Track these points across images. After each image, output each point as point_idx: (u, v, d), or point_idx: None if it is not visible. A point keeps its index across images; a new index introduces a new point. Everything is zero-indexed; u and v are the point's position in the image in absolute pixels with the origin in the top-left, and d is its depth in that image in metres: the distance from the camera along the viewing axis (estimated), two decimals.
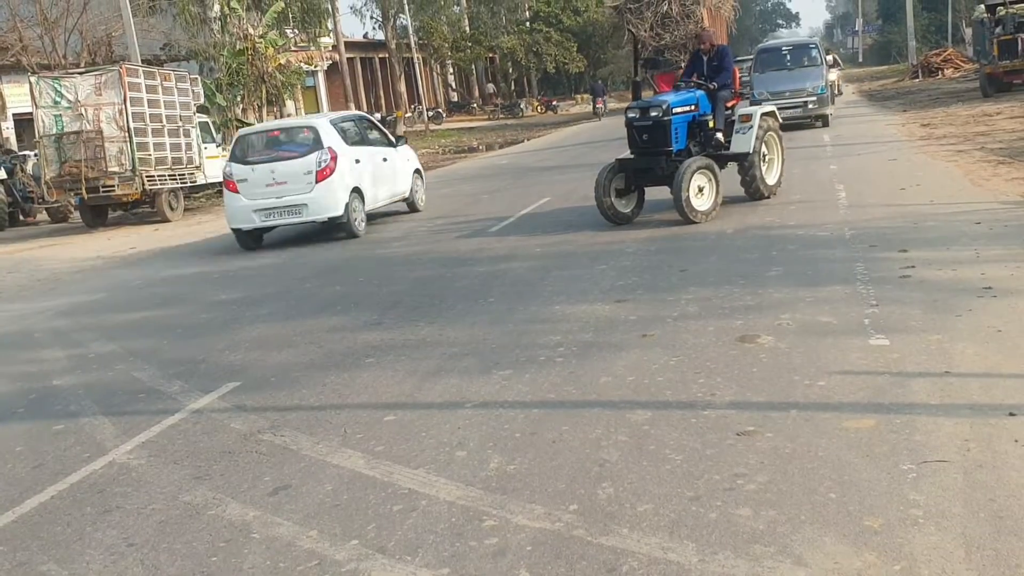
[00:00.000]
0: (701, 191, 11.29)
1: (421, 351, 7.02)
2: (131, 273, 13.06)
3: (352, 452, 5.13)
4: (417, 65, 52.67)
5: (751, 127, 11.95)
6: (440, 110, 54.39)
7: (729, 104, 12.20)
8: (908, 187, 12.26)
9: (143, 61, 25.54)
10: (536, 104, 56.62)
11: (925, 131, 19.55)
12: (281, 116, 39.97)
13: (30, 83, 18.73)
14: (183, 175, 20.00)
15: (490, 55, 60.32)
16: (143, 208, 20.28)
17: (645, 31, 37.99)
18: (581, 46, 58.55)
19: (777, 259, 8.79)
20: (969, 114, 22.10)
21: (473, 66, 61.83)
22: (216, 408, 6.22)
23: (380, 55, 56.90)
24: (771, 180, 12.58)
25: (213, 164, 21.41)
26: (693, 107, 11.82)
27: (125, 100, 18.24)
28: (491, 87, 63.81)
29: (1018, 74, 26.38)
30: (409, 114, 49.02)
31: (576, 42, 58.70)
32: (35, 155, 20.40)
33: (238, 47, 26.76)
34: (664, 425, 5.00)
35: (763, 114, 12.33)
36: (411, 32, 50.56)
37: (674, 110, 11.55)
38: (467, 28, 59.89)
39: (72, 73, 19.45)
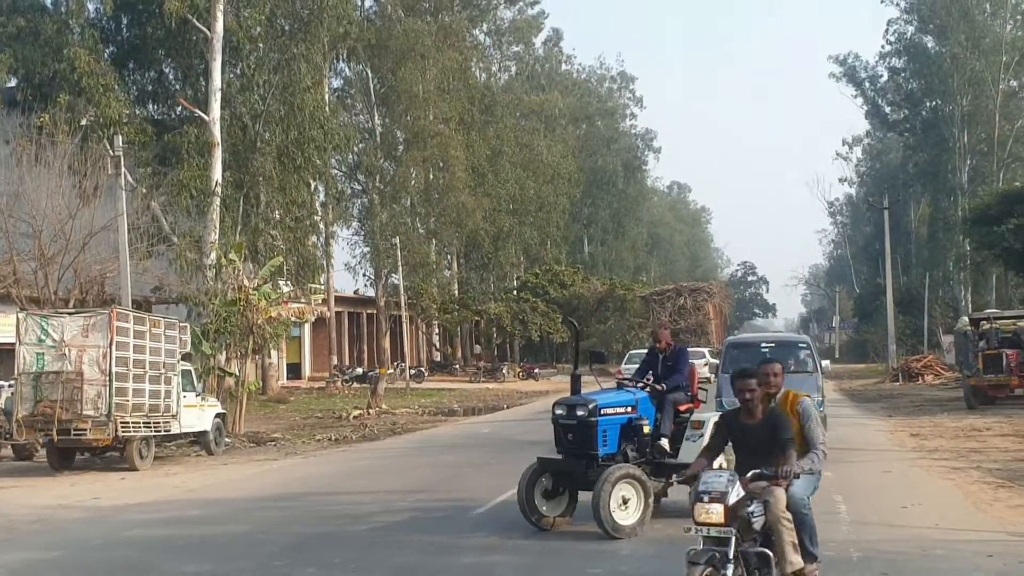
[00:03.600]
0: (626, 503, 10.21)
1: None
2: (92, 529, 12.29)
3: None
4: (404, 323, 53.27)
5: (701, 435, 10.79)
6: (422, 368, 54.56)
7: (683, 408, 11.34)
8: (909, 506, 11.89)
9: (133, 302, 25.56)
10: (518, 370, 56.93)
11: (915, 441, 19.38)
12: (263, 366, 39.94)
13: (17, 319, 18.48)
14: (158, 423, 19.44)
15: (476, 319, 61.29)
16: (112, 453, 19.58)
17: (665, 316, 50.83)
18: (565, 317, 59.66)
19: None
20: (958, 426, 21.96)
21: (459, 328, 62.67)
22: None
23: (368, 311, 57.70)
24: None
25: (190, 413, 20.94)
26: (630, 409, 10.97)
27: (111, 344, 17.94)
28: (477, 348, 64.56)
29: (1003, 388, 26.57)
30: (391, 371, 49.03)
31: (561, 313, 59.86)
32: (10, 388, 19.88)
33: (230, 296, 26.85)
34: None
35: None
36: (401, 292, 51.45)
37: (604, 411, 10.73)
38: (456, 292, 61.17)
39: (61, 312, 19.25)
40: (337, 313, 53.17)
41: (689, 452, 10.83)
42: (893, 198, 66.64)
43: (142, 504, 14.43)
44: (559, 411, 11.03)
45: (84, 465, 19.64)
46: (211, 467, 19.59)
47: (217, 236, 31.47)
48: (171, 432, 20.29)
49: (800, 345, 18.81)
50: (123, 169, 25.84)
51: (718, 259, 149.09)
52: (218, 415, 22.62)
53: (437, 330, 64.63)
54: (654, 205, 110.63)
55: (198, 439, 22.03)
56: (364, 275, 56.66)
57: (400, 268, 50.30)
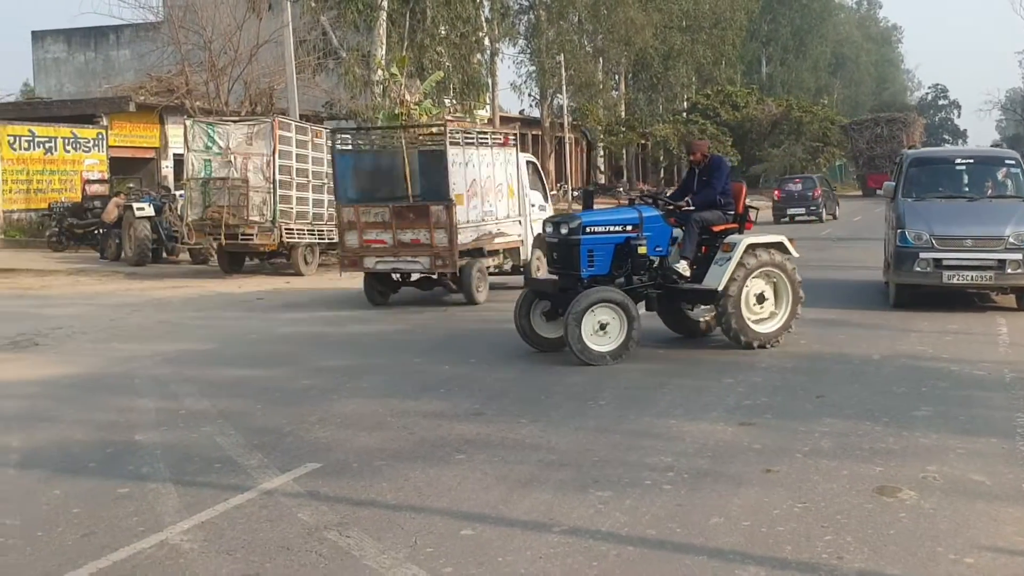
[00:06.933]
0: (604, 328, 9.35)
1: (517, 454, 6.44)
2: (249, 325, 12.91)
3: (418, 570, 4.57)
4: (568, 145, 52.69)
5: (730, 259, 9.77)
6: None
7: (716, 228, 10.13)
8: None
9: (303, 116, 26.02)
10: None
11: None
12: None
13: (185, 126, 19.15)
14: (321, 231, 20.03)
15: (643, 141, 60.13)
16: (279, 259, 20.39)
17: (862, 144, 61.99)
18: (736, 141, 57.80)
19: (927, 397, 7.91)
20: None
21: (624, 151, 61.68)
22: (288, 492, 5.75)
23: (533, 132, 57.29)
24: (767, 328, 10.08)
25: None
26: (629, 228, 9.83)
27: (274, 152, 18.41)
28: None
29: None
30: (554, 192, 48.96)
31: (732, 137, 58.03)
32: (182, 195, 20.80)
33: (395, 111, 26.98)
34: None
35: (761, 245, 10.01)
36: (566, 113, 50.70)
37: (590, 229, 9.70)
38: (622, 113, 59.86)
39: (226, 120, 19.82)
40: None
41: (712, 277, 9.85)
42: None
43: (302, 304, 15.01)
44: (548, 229, 10.25)
45: (253, 270, 20.55)
46: None
47: (384, 52, 31.46)
48: (334, 240, 20.87)
49: (1007, 162, 14.13)
50: None
51: (908, 81, 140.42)
52: None
53: (602, 153, 63.82)
54: (840, 22, 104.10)
55: None
56: (529, 95, 55.98)
57: (565, 88, 49.41)
